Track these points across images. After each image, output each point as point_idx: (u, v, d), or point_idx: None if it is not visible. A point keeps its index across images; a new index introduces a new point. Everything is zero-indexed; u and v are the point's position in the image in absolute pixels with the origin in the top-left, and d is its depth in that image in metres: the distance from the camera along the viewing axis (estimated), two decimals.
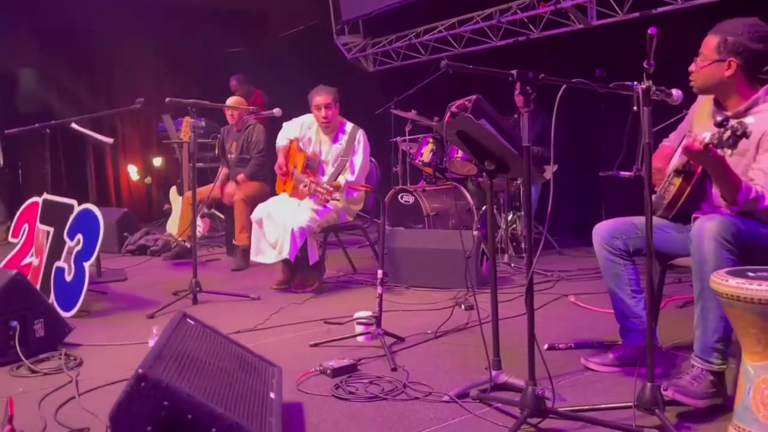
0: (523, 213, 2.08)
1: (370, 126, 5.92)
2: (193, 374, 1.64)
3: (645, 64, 1.83)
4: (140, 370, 1.49)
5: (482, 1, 5.80)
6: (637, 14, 4.67)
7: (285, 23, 9.21)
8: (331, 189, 3.70)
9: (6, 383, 2.47)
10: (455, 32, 6.01)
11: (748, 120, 1.79)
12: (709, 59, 2.17)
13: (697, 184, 2.24)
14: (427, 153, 4.97)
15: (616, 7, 4.78)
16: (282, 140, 4.17)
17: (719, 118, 1.83)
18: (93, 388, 2.37)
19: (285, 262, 3.93)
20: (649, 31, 1.80)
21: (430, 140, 4.97)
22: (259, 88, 7.00)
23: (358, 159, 4.01)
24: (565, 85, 1.90)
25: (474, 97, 2.16)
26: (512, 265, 4.55)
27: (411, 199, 4.84)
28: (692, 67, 2.25)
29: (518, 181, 4.81)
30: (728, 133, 1.80)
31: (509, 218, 4.92)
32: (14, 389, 2.40)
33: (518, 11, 5.43)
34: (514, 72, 1.88)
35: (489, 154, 2.19)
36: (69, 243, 3.54)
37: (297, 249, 3.79)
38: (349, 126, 4.13)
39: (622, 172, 3.17)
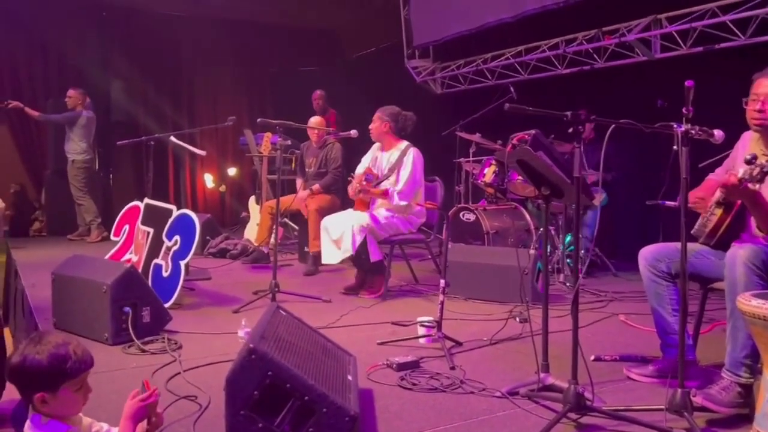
0: (573, 235, 2.31)
1: (436, 146, 6.28)
2: (289, 353, 2.00)
3: (684, 110, 2.09)
4: (251, 345, 1.85)
5: (549, 31, 6.06)
6: (700, 49, 4.84)
7: (358, 44, 9.69)
8: (370, 188, 4.21)
9: (122, 358, 2.92)
10: (521, 60, 6.28)
11: None
12: None
13: (737, 215, 2.45)
14: (489, 174, 5.25)
15: (680, 41, 4.95)
16: (360, 168, 4.61)
17: (748, 156, 2.07)
18: (193, 367, 2.77)
19: (357, 269, 4.31)
20: (686, 84, 2.06)
21: (493, 162, 5.25)
22: (333, 107, 7.45)
23: (405, 172, 4.34)
24: (614, 125, 2.17)
25: (534, 131, 2.45)
26: (567, 284, 4.77)
27: (472, 217, 5.13)
28: (760, 107, 2.44)
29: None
30: (757, 169, 2.04)
31: (566, 240, 5.13)
32: (129, 364, 2.84)
33: (584, 42, 5.67)
34: (568, 113, 2.16)
35: (545, 181, 2.48)
36: (167, 243, 4.01)
37: (356, 244, 4.16)
38: (403, 144, 4.50)
39: (667, 202, 3.37)
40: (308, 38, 10.07)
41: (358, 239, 4.15)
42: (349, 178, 4.41)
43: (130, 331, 3.09)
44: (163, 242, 4.05)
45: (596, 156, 5.14)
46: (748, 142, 2.61)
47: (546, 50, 6.05)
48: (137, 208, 4.50)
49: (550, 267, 4.92)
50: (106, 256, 4.44)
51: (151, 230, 4.21)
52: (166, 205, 4.22)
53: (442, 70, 7.46)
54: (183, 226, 3.99)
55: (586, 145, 5.20)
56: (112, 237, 4.67)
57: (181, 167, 9.37)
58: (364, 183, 4.27)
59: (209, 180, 9.69)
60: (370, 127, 4.54)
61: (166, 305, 3.77)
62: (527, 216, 4.95)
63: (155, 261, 4.05)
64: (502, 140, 5.28)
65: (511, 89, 5.59)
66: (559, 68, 6.00)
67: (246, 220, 6.53)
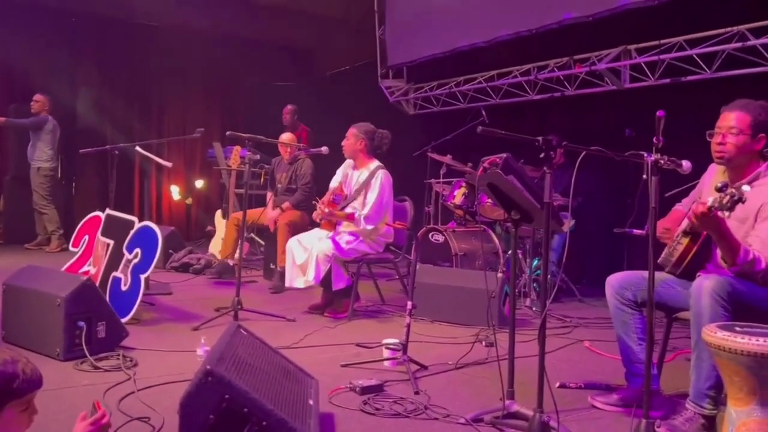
0: (542, 261, 2.30)
1: (407, 166, 6.27)
2: (248, 375, 1.93)
3: (654, 140, 2.10)
4: (208, 367, 1.78)
5: (521, 57, 6.13)
6: (667, 80, 4.94)
7: (333, 62, 9.69)
8: (335, 212, 4.16)
9: (73, 375, 2.80)
10: (494, 84, 6.34)
11: (745, 188, 2.04)
12: (746, 133, 2.41)
13: (703, 245, 2.47)
14: (459, 196, 5.25)
15: (648, 72, 5.05)
16: (334, 182, 4.56)
17: (719, 185, 2.09)
18: (148, 386, 2.67)
19: (324, 288, 4.25)
20: (657, 114, 2.08)
21: (463, 184, 5.25)
22: (305, 122, 7.41)
23: (372, 195, 4.29)
24: (584, 152, 2.17)
25: (505, 155, 2.44)
26: (534, 308, 4.77)
27: (441, 239, 5.11)
28: (721, 139, 2.48)
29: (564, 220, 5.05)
30: (727, 197, 2.05)
31: (533, 264, 5.15)
32: (80, 381, 2.72)
33: (555, 69, 5.74)
34: (539, 138, 2.15)
35: (515, 205, 2.47)
36: (127, 255, 3.89)
37: (321, 274, 4.11)
38: (373, 164, 4.45)
39: (634, 230, 3.41)
40: (283, 54, 10.04)
41: (323, 269, 4.09)
42: (314, 202, 4.34)
43: (83, 346, 2.96)
44: (123, 255, 3.93)
45: (564, 181, 5.20)
46: (714, 174, 2.64)
47: (518, 76, 6.11)
48: (98, 218, 4.37)
49: (516, 291, 4.92)
50: (63, 268, 4.30)
51: (112, 242, 4.08)
52: (128, 216, 4.10)
53: (415, 90, 7.49)
54: (145, 239, 3.88)
55: (554, 170, 5.23)
56: (70, 247, 4.52)
57: (147, 178, 9.18)
58: (327, 207, 4.19)
59: (176, 192, 9.50)
60: (344, 143, 4.47)
61: (124, 320, 3.64)
62: (495, 239, 4.96)
63: (114, 274, 3.93)
64: (472, 163, 5.30)
65: (483, 113, 5.63)
66: (531, 94, 6.07)
67: (211, 234, 6.41)
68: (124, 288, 3.84)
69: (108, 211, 4.31)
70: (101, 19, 8.61)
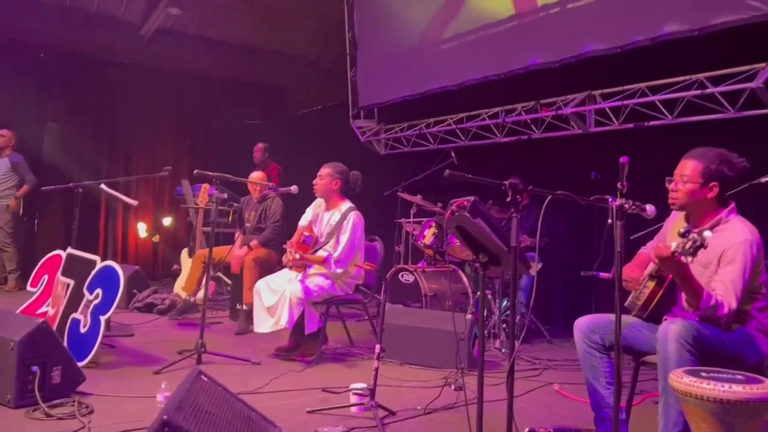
0: (510, 305, 2.31)
1: (378, 206, 6.28)
2: (207, 425, 1.85)
3: (618, 185, 2.13)
4: (165, 417, 1.70)
5: (489, 101, 6.25)
6: (631, 125, 5.07)
7: (305, 101, 9.76)
8: (306, 256, 4.10)
9: (23, 424, 2.66)
10: (463, 126, 6.43)
11: (706, 234, 2.08)
12: (695, 182, 2.47)
13: (668, 288, 2.49)
14: (429, 236, 5.26)
15: (612, 117, 5.18)
16: (303, 221, 4.50)
17: (682, 230, 2.11)
18: None
19: (293, 331, 4.16)
20: (621, 160, 2.11)
21: (433, 224, 5.27)
22: (276, 161, 7.39)
23: (344, 237, 4.23)
24: (550, 196, 2.19)
25: (472, 198, 2.45)
26: (503, 350, 4.74)
27: (411, 279, 5.09)
28: (673, 186, 2.54)
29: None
30: (690, 242, 2.08)
31: (503, 304, 5.14)
32: (31, 430, 2.59)
33: (522, 113, 5.86)
34: (506, 182, 2.17)
35: (483, 248, 2.46)
36: (88, 296, 3.77)
37: (294, 317, 4.03)
38: (345, 206, 4.39)
39: (601, 273, 3.44)
40: (256, 93, 10.07)
41: (296, 313, 4.01)
42: (284, 246, 4.27)
43: (36, 393, 2.83)
44: (83, 295, 3.81)
45: (530, 221, 5.25)
46: (676, 219, 2.68)
47: (486, 118, 6.21)
48: (59, 257, 4.25)
49: (486, 332, 4.90)
50: (20, 309, 4.15)
51: (72, 282, 3.96)
52: (90, 255, 3.99)
53: (386, 131, 7.55)
54: (106, 279, 3.77)
55: (521, 211, 5.28)
56: (28, 287, 4.37)
57: (113, 216, 9.00)
58: (298, 252, 4.13)
59: (142, 229, 9.33)
60: (317, 182, 4.39)
61: (81, 364, 3.51)
62: (465, 279, 4.95)
63: (73, 315, 3.80)
64: (442, 203, 5.33)
65: (452, 154, 5.69)
66: (499, 136, 6.17)
67: (177, 273, 6.28)
68: (83, 330, 3.71)
69: (69, 250, 4.19)
70: (71, 56, 8.53)
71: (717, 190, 2.43)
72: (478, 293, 5.05)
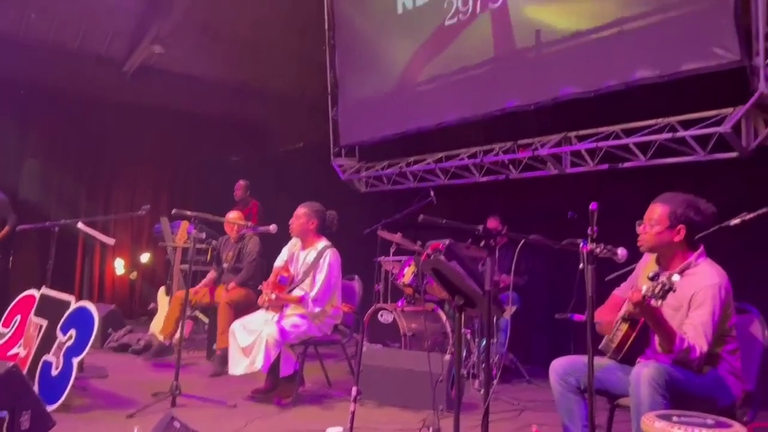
0: (486, 347, 2.32)
1: (358, 244, 6.28)
2: None
3: (588, 230, 2.17)
4: None
5: (468, 140, 6.35)
6: (606, 167, 5.17)
7: (287, 138, 9.83)
8: (283, 296, 4.09)
9: None
10: (442, 165, 6.51)
11: (675, 277, 2.12)
12: (661, 225, 2.53)
13: (641, 331, 2.52)
14: (408, 274, 5.26)
15: (588, 158, 5.29)
16: (278, 261, 4.49)
17: (651, 274, 2.16)
18: None
19: (269, 373, 4.11)
20: (590, 207, 2.16)
21: (412, 263, 5.29)
22: (257, 199, 7.39)
23: (321, 276, 4.21)
24: (523, 240, 2.23)
25: (447, 241, 2.48)
26: (482, 391, 4.71)
27: (390, 318, 5.07)
28: (641, 230, 2.61)
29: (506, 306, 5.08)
30: (659, 286, 2.12)
31: (482, 344, 5.13)
32: None
33: (500, 153, 5.96)
34: (480, 227, 2.20)
35: (458, 290, 2.48)
36: (61, 338, 3.71)
37: (270, 360, 3.98)
38: (321, 243, 4.39)
39: (575, 316, 3.46)
40: (238, 130, 10.11)
41: (272, 355, 3.97)
42: (260, 288, 4.25)
43: None
44: (56, 336, 3.75)
45: (508, 260, 5.29)
46: (648, 262, 2.73)
47: (465, 158, 6.30)
48: (32, 297, 4.18)
49: (465, 372, 4.88)
50: None
51: (45, 323, 3.90)
52: (64, 295, 3.94)
53: (366, 169, 7.61)
54: (80, 320, 3.72)
55: (499, 249, 5.34)
56: (0, 328, 4.29)
57: (90, 253, 8.89)
58: (275, 294, 4.11)
59: (120, 266, 9.22)
60: (293, 222, 4.39)
61: (52, 408, 3.44)
62: (444, 319, 4.95)
63: (45, 357, 3.73)
64: (422, 241, 5.35)
65: (431, 193, 5.74)
66: (477, 176, 6.25)
67: (154, 311, 6.20)
68: (54, 372, 3.64)
69: (43, 289, 4.13)
70: (52, 91, 8.51)
71: (684, 233, 2.49)
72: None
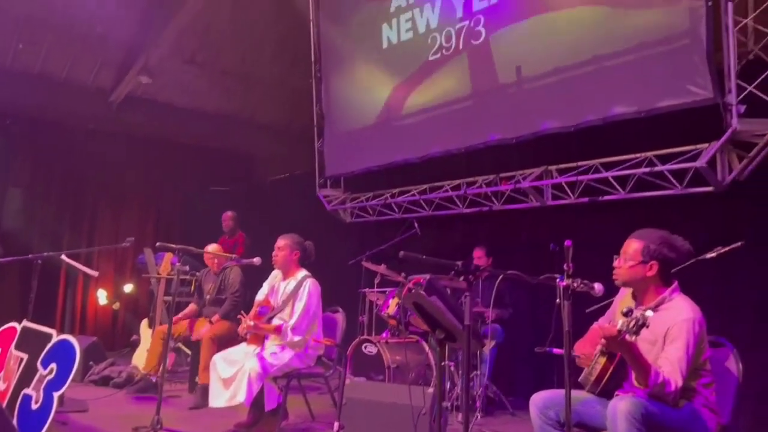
0: (464, 382, 2.37)
1: (343, 275, 6.31)
2: None
3: (564, 266, 2.23)
4: None
5: (452, 173, 6.45)
6: (586, 199, 5.27)
7: (273, 168, 9.88)
8: (261, 325, 4.11)
9: None
10: (426, 197, 6.59)
11: (648, 313, 2.18)
12: (635, 260, 2.60)
13: (619, 364, 2.56)
14: (393, 306, 5.27)
15: (569, 191, 5.38)
16: (260, 295, 4.51)
17: (624, 309, 2.21)
18: None
19: (252, 406, 4.08)
20: (565, 243, 2.22)
21: (399, 292, 5.30)
22: (243, 229, 7.41)
23: (300, 304, 4.24)
24: (502, 275, 2.28)
25: (428, 276, 2.53)
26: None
27: (374, 350, 5.07)
28: (617, 263, 2.68)
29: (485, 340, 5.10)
30: (633, 322, 2.18)
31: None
32: None
33: (483, 185, 6.05)
34: (459, 263, 2.25)
35: (439, 324, 2.52)
36: (41, 371, 3.68)
37: (253, 393, 3.96)
38: (301, 274, 4.43)
39: (555, 350, 3.50)
40: (223, 160, 10.16)
41: (255, 388, 3.95)
42: (239, 317, 4.27)
43: None
44: (36, 370, 3.71)
45: (491, 292, 5.33)
46: (623, 296, 2.79)
47: (449, 190, 6.38)
48: (13, 330, 4.14)
49: (449, 405, 4.87)
50: None
51: (26, 356, 3.86)
52: (46, 329, 3.91)
53: (352, 200, 7.67)
54: (61, 353, 3.69)
55: (483, 281, 5.39)
56: None
57: (73, 284, 8.81)
58: (254, 322, 4.13)
59: (103, 296, 9.13)
60: (277, 254, 4.42)
61: None
62: (428, 351, 4.96)
63: (25, 391, 3.68)
64: (406, 273, 5.38)
65: (415, 225, 5.80)
66: (461, 207, 6.33)
67: (136, 343, 6.15)
68: (34, 406, 3.59)
69: (25, 322, 4.10)
70: (38, 121, 8.54)
71: (656, 269, 2.55)
72: (442, 364, 5.08)
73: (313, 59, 7.82)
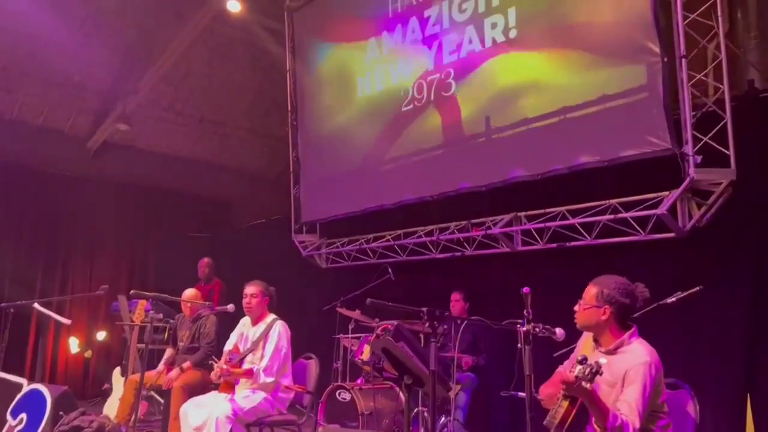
0: (432, 418, 2.42)
1: (317, 320, 6.34)
2: None
3: (525, 312, 2.33)
4: None
5: (425, 219, 6.59)
6: (554, 245, 5.42)
7: (249, 214, 9.95)
8: (233, 370, 4.13)
9: None
10: (400, 243, 6.70)
11: (602, 360, 2.28)
12: (590, 304, 2.72)
13: (581, 407, 2.65)
14: (367, 352, 5.28)
15: (537, 237, 5.53)
16: (228, 345, 4.54)
17: (579, 357, 2.31)
18: None
19: None
20: (523, 291, 2.33)
21: (371, 338, 5.34)
22: (219, 275, 7.41)
23: (270, 346, 4.29)
24: (465, 321, 2.37)
25: (396, 323, 2.61)
26: None
27: (348, 397, 5.06)
28: (576, 308, 2.79)
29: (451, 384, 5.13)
30: (587, 369, 2.27)
31: (441, 421, 5.15)
32: None
33: (455, 231, 6.18)
34: (424, 309, 2.34)
35: (407, 370, 2.59)
36: (11, 422, 3.65)
37: None
38: (269, 317, 4.50)
39: (519, 393, 3.58)
40: (199, 205, 10.20)
41: (224, 431, 3.95)
42: (211, 362, 4.29)
43: None
44: (6, 421, 3.68)
45: (467, 337, 5.41)
46: (585, 340, 2.90)
47: (423, 236, 6.51)
48: None
49: None
50: None
51: None
52: (17, 378, 3.89)
53: (327, 245, 7.74)
54: (32, 403, 3.69)
55: (455, 323, 5.45)
56: None
57: (44, 332, 8.63)
58: (226, 366, 4.15)
59: (75, 344, 8.97)
60: (251, 301, 4.46)
61: None
62: (402, 397, 4.97)
63: None
64: (380, 318, 5.44)
65: (389, 270, 5.89)
66: (434, 252, 6.44)
67: (108, 392, 6.06)
68: None
69: None
70: (11, 166, 8.49)
71: (608, 313, 2.67)
72: (415, 410, 5.09)
73: (289, 108, 8.00)
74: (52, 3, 7.12)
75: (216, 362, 4.22)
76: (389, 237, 6.88)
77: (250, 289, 4.52)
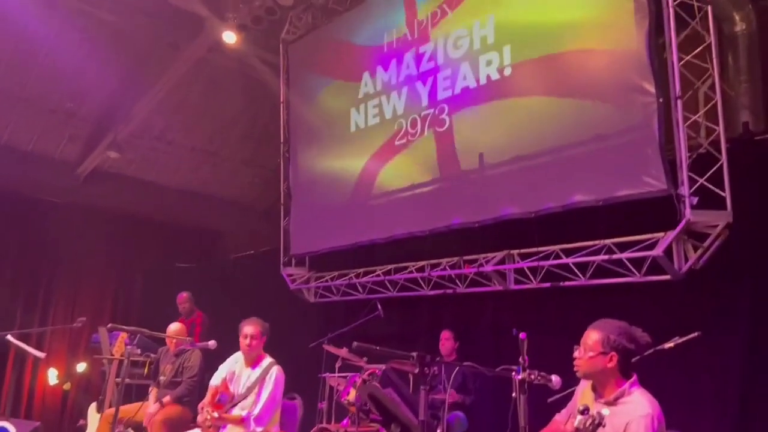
0: None
1: (303, 357, 6.14)
2: None
3: (520, 359, 2.21)
4: None
5: (417, 254, 6.46)
6: (548, 284, 5.30)
7: (238, 246, 9.80)
8: (223, 415, 3.94)
9: None
10: (391, 278, 6.56)
11: (604, 411, 2.15)
12: (594, 351, 2.59)
13: None
14: (353, 392, 5.11)
15: (530, 276, 5.42)
16: (215, 380, 4.34)
17: (581, 407, 2.18)
18: None
19: None
20: (520, 336, 2.21)
21: (358, 380, 5.17)
22: (205, 307, 7.24)
23: (266, 393, 4.11)
24: (457, 367, 2.24)
25: (384, 367, 2.48)
26: None
27: None
28: (577, 355, 2.66)
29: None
30: (589, 421, 2.15)
31: None
32: None
33: (447, 267, 6.06)
34: (414, 354, 2.21)
35: (395, 418, 2.45)
36: None
37: None
38: (266, 361, 4.31)
39: None
40: (187, 235, 10.07)
41: None
42: (199, 407, 4.10)
43: None
44: None
45: (458, 377, 5.24)
46: (585, 386, 2.76)
47: (414, 271, 6.38)
48: None
49: None
50: None
51: None
52: None
53: (316, 279, 7.59)
54: None
55: (447, 365, 5.29)
56: None
57: (21, 363, 8.39)
58: (214, 410, 3.96)
59: (53, 376, 8.70)
60: (251, 342, 4.23)
61: None
62: None
63: None
64: (368, 357, 5.27)
65: (378, 307, 5.75)
66: (425, 289, 6.31)
67: (83, 429, 5.82)
68: None
69: None
70: None
71: (616, 360, 2.54)
72: None
73: (282, 139, 7.93)
74: (45, 29, 7.08)
75: (203, 406, 4.01)
76: (380, 272, 6.74)
77: (249, 329, 4.28)
